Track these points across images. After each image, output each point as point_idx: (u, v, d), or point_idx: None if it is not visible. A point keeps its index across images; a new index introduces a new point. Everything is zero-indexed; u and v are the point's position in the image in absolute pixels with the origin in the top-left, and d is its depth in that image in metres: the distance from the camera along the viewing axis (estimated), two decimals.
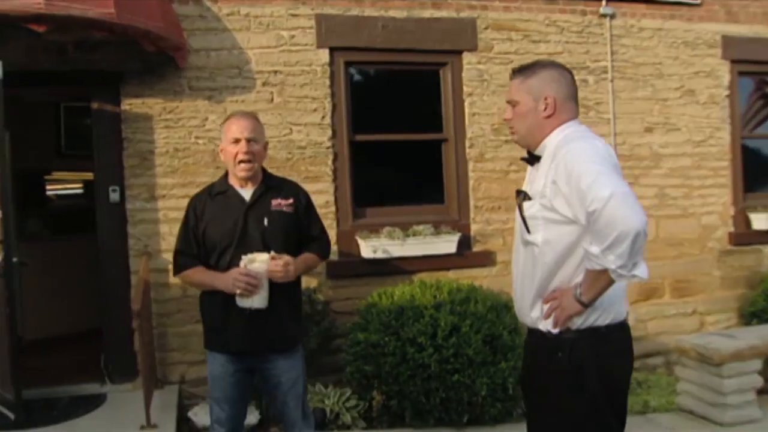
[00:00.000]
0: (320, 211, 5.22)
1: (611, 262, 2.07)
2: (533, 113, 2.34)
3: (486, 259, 5.68)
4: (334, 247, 5.29)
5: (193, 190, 4.96)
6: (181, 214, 3.29)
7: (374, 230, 5.44)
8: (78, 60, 4.81)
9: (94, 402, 4.76)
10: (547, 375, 2.34)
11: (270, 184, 3.13)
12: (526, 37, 5.90)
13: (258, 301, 2.93)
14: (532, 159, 2.41)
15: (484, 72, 5.73)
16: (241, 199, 3.06)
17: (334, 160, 5.42)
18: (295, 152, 5.33)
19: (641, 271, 2.10)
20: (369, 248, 5.30)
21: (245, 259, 2.90)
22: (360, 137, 5.57)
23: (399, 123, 5.75)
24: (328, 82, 5.38)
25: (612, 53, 6.14)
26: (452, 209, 5.75)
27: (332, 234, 5.34)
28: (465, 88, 5.70)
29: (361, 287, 5.30)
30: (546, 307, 2.33)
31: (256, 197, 3.06)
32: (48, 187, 7.26)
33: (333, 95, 5.41)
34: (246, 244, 2.99)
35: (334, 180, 5.42)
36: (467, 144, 5.70)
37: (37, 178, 7.05)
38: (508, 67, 5.69)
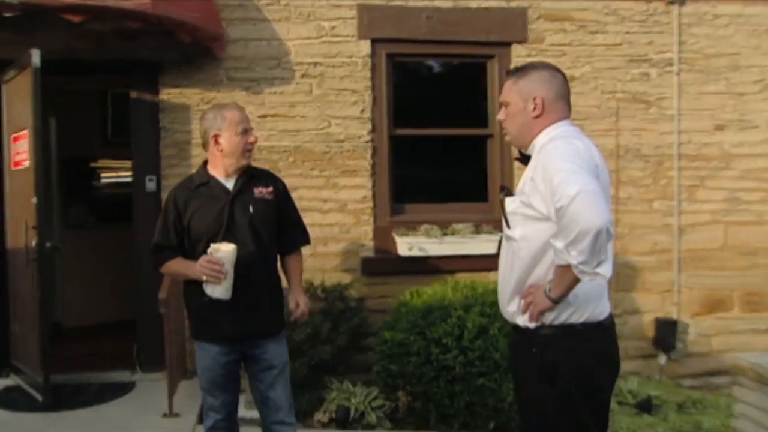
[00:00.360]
0: (357, 207, 5.37)
1: (573, 257, 2.14)
2: (522, 114, 2.45)
3: None
4: (369, 243, 5.35)
5: None
6: None
7: (412, 227, 5.35)
8: (117, 49, 4.94)
9: (122, 389, 4.91)
10: (523, 369, 2.48)
11: (251, 174, 3.24)
12: (582, 27, 5.66)
13: (220, 291, 2.99)
14: (525, 159, 2.51)
15: None
16: (224, 188, 3.16)
17: (373, 155, 5.37)
18: (332, 146, 5.32)
19: (604, 269, 2.15)
20: (405, 246, 5.22)
21: (212, 248, 2.99)
22: (400, 131, 5.50)
23: (442, 117, 5.63)
24: (368, 75, 5.34)
25: (680, 43, 5.80)
26: (496, 208, 5.57)
27: (368, 230, 5.36)
28: None
29: (396, 285, 5.22)
30: (523, 302, 2.43)
31: (240, 186, 3.17)
32: (103, 174, 7.53)
33: (374, 88, 5.37)
34: (233, 232, 3.09)
35: (373, 175, 5.38)
36: None
37: (84, 165, 7.29)
38: (560, 60, 5.49)
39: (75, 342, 6.18)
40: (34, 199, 4.50)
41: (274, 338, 3.20)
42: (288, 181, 5.08)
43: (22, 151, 4.73)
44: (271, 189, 3.23)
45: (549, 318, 2.34)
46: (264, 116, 5.20)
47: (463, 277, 5.15)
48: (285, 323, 3.31)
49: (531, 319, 2.36)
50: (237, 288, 3.01)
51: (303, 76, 5.28)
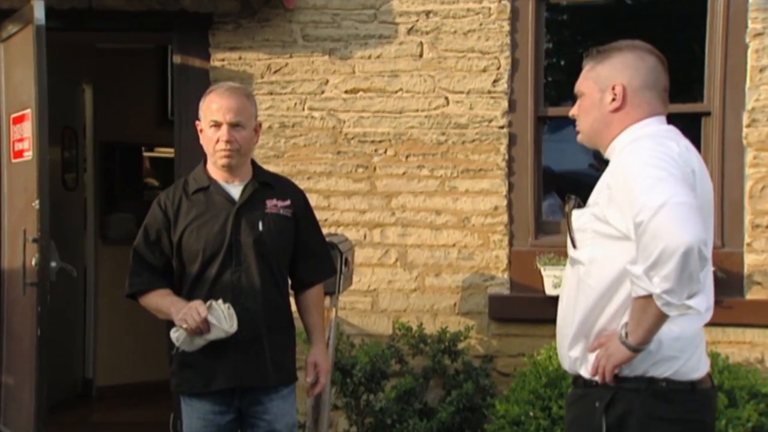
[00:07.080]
0: (485, 222, 4.43)
1: (656, 285, 2.03)
2: (598, 107, 2.43)
3: None
4: (503, 276, 4.60)
5: (304, 183, 4.43)
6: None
7: (566, 254, 4.36)
8: None
9: None
10: (577, 429, 2.40)
11: (263, 180, 3.12)
12: None
13: (185, 341, 2.87)
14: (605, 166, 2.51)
15: None
16: (227, 196, 3.03)
17: (511, 145, 4.56)
18: (450, 133, 4.55)
19: (697, 302, 2.03)
20: (550, 280, 4.35)
21: (213, 304, 2.87)
22: (553, 111, 4.68)
23: None
24: (507, 28, 4.51)
25: None
26: None
27: (501, 256, 4.58)
28: (751, 25, 4.35)
29: (539, 338, 4.35)
30: (592, 355, 2.33)
31: (248, 195, 3.04)
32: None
33: (514, 48, 4.53)
34: (237, 254, 2.98)
35: (509, 175, 4.56)
36: (745, 120, 4.39)
37: (133, 154, 6.54)
38: None
39: (109, 406, 5.78)
40: (36, 203, 4.02)
41: (280, 394, 3.07)
42: (385, 183, 4.46)
43: (24, 137, 4.23)
44: (288, 202, 3.10)
45: (624, 370, 2.23)
46: (353, 91, 4.63)
47: None
48: (295, 376, 3.17)
49: (603, 378, 2.25)
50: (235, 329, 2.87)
51: (410, 32, 4.60)
